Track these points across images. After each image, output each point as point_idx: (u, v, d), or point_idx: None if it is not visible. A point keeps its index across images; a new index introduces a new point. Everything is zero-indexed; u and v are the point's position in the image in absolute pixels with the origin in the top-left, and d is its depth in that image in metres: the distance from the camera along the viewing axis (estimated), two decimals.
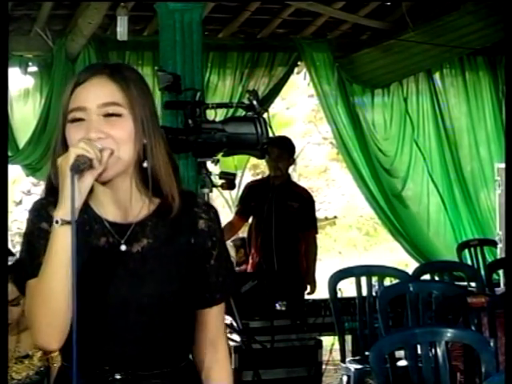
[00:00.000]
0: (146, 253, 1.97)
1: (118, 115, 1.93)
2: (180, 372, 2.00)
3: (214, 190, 4.70)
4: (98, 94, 1.94)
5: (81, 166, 1.82)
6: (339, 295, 5.38)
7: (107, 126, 1.92)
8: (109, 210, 1.98)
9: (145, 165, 1.96)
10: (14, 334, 3.31)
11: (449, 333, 3.48)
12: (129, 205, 1.98)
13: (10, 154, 6.71)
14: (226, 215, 10.21)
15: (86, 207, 1.95)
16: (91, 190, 1.95)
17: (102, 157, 1.88)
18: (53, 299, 1.84)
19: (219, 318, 2.12)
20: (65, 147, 1.93)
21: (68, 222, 1.82)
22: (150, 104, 2.00)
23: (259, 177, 11.13)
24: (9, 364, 3.29)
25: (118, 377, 1.94)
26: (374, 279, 5.43)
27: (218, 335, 2.11)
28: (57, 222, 1.83)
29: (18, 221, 12.99)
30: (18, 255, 2.05)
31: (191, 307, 2.04)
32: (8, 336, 3.24)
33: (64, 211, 1.82)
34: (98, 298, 1.91)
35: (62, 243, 1.83)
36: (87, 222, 1.96)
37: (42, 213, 1.94)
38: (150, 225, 1.99)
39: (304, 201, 6.27)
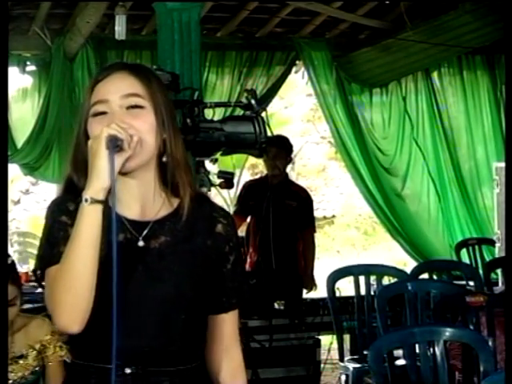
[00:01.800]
0: (164, 249, 1.99)
1: (140, 107, 1.97)
2: (190, 372, 2.00)
3: (213, 189, 4.69)
4: (119, 86, 1.98)
5: (116, 143, 1.87)
6: (337, 294, 5.38)
7: (130, 117, 1.95)
8: (128, 208, 1.98)
9: (164, 159, 1.99)
10: (8, 335, 3.31)
11: (447, 332, 3.48)
12: (149, 202, 2.01)
13: (8, 152, 6.70)
14: None
15: (105, 206, 1.96)
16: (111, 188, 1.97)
17: (132, 140, 1.91)
18: (77, 279, 1.85)
19: (234, 325, 2.13)
20: (87, 141, 1.96)
21: (97, 201, 1.85)
22: (168, 101, 2.04)
23: (258, 176, 11.14)
24: None
25: (128, 371, 1.94)
26: (373, 278, 5.44)
27: (232, 342, 2.12)
28: (86, 200, 1.85)
29: (16, 220, 12.99)
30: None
31: (205, 309, 2.05)
32: None
33: (94, 190, 1.85)
34: (119, 292, 1.90)
35: (89, 221, 1.86)
36: (105, 219, 1.96)
37: (62, 207, 1.97)
38: (168, 224, 2.01)
39: (302, 200, 6.28)
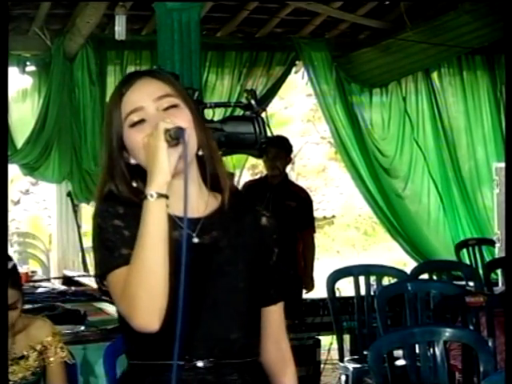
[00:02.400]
0: (218, 244, 2.01)
1: (175, 106, 1.99)
2: (255, 364, 2.05)
3: None
4: (149, 91, 1.99)
5: (182, 133, 1.89)
6: (337, 294, 5.38)
7: (170, 117, 1.95)
8: (176, 207, 1.96)
9: (200, 153, 2.00)
10: (9, 336, 3.31)
11: (447, 332, 3.48)
12: (196, 199, 2.02)
13: (8, 153, 6.70)
14: None
15: None
16: None
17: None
18: (152, 276, 1.85)
19: (282, 316, 2.19)
20: (123, 153, 1.99)
21: (162, 195, 1.87)
22: (190, 96, 2.09)
23: (257, 176, 11.13)
24: None
25: (200, 364, 1.95)
26: (373, 278, 5.44)
27: (281, 333, 2.18)
28: (151, 195, 1.86)
29: (16, 220, 12.99)
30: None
31: (260, 302, 2.08)
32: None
33: (158, 185, 1.87)
34: (179, 290, 1.91)
35: (156, 216, 1.87)
36: None
37: (112, 212, 1.97)
38: (217, 219, 2.03)
39: (301, 200, 6.27)
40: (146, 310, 1.85)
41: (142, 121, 1.96)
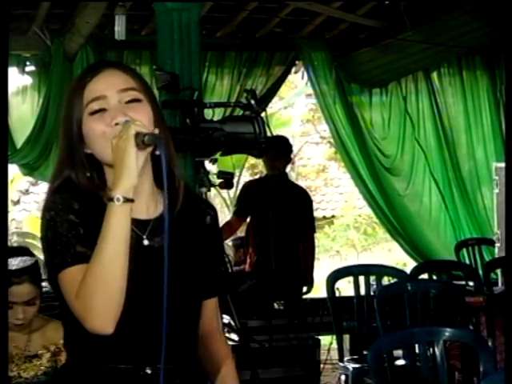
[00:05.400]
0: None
1: (138, 100, 1.97)
2: (193, 365, 2.03)
3: (212, 189, 4.69)
4: (114, 82, 1.97)
5: (152, 141, 1.87)
6: (337, 294, 5.38)
7: (130, 111, 1.94)
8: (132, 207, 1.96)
9: (157, 152, 1.94)
10: (25, 333, 3.33)
11: (447, 332, 3.48)
12: (148, 199, 2.00)
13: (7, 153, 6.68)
14: (224, 215, 10.21)
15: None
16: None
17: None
18: (112, 280, 1.83)
19: (216, 310, 2.16)
20: (82, 143, 1.96)
21: (128, 200, 1.84)
22: (154, 95, 2.06)
23: (257, 176, 11.14)
24: (18, 362, 3.31)
25: (149, 371, 1.93)
26: (372, 278, 5.44)
27: (216, 326, 2.16)
28: (118, 199, 1.84)
29: (15, 220, 12.99)
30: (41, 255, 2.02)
31: (200, 300, 2.08)
32: (19, 335, 3.28)
33: (124, 189, 1.85)
34: (129, 292, 1.88)
35: (121, 221, 1.85)
36: None
37: (66, 206, 1.92)
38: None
39: (301, 200, 6.28)
40: (103, 313, 1.83)
41: (102, 110, 1.94)
